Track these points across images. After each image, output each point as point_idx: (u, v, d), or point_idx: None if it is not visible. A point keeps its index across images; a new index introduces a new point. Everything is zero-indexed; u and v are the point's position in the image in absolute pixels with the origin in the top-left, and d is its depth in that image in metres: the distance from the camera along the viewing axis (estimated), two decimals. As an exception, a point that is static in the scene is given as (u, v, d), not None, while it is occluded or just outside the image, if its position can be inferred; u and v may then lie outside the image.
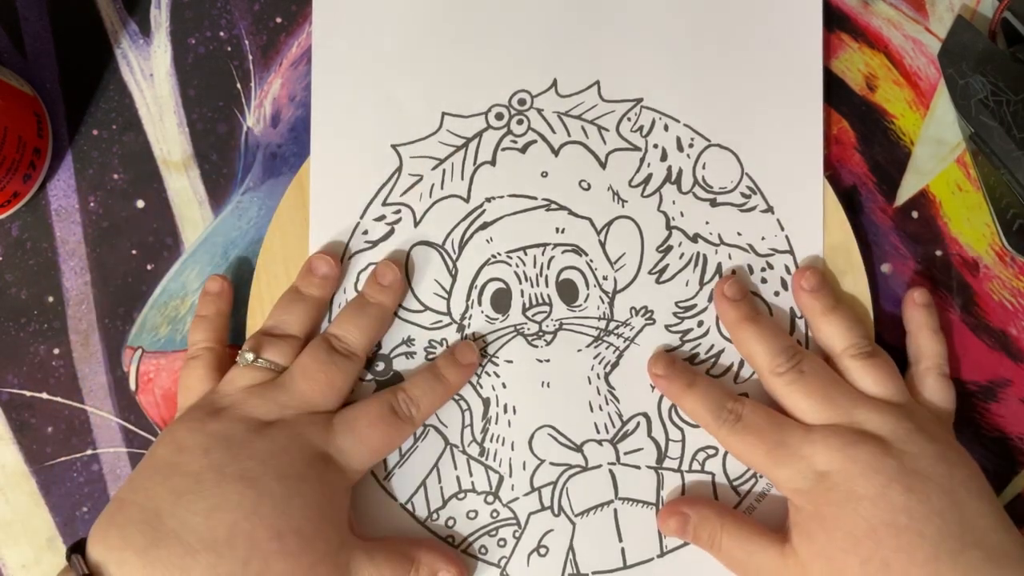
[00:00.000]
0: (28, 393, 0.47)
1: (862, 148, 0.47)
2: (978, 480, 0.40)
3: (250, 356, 0.42)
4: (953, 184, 0.47)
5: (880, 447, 0.39)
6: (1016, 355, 0.46)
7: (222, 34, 0.47)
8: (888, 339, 0.46)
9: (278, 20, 0.48)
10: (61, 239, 0.47)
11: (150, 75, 0.47)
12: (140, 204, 0.47)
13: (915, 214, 0.47)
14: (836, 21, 0.47)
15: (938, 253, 0.47)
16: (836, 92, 0.47)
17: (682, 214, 0.46)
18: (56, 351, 0.47)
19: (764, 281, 0.46)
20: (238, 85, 0.47)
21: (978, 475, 0.40)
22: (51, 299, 0.47)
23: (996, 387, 0.46)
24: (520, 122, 0.46)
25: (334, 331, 0.44)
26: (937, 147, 0.47)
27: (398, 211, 0.46)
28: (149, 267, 0.47)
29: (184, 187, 0.47)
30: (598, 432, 0.45)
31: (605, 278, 0.45)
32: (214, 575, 0.37)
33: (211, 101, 0.47)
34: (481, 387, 0.45)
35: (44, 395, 0.47)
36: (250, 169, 0.47)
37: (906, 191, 0.47)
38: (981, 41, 0.45)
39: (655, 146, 0.46)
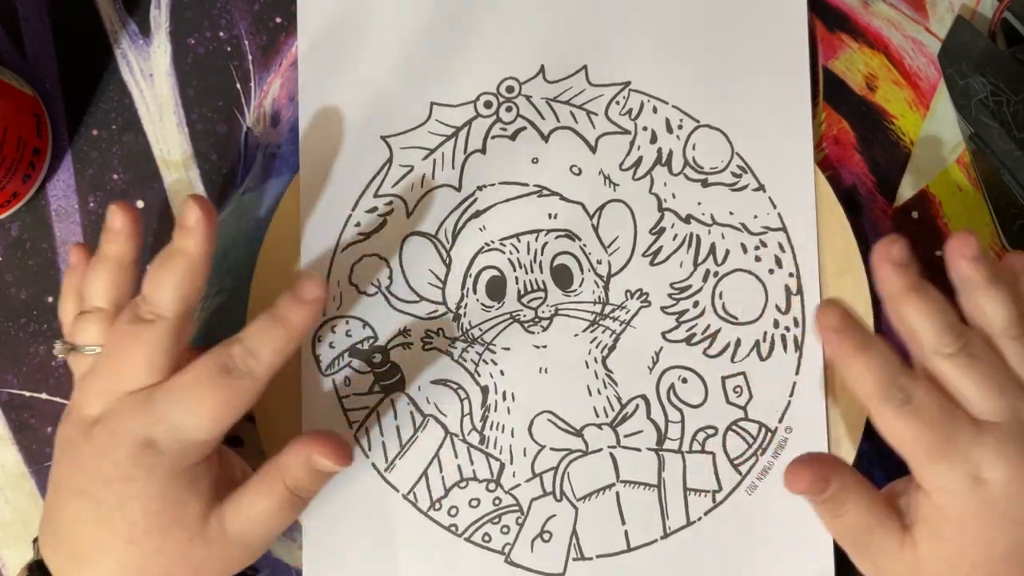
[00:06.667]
0: (28, 393, 0.47)
1: (862, 148, 0.47)
2: None
3: (57, 347, 0.40)
4: (953, 184, 0.47)
5: None
6: (1016, 355, 0.46)
7: (222, 34, 0.47)
8: (890, 341, 0.46)
9: (278, 20, 0.48)
10: (61, 239, 0.47)
11: (150, 75, 0.47)
12: (140, 204, 0.47)
13: (915, 214, 0.47)
14: (836, 21, 0.47)
15: (938, 253, 0.47)
16: (836, 92, 0.47)
17: (674, 195, 0.46)
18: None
19: (758, 260, 0.45)
20: (238, 85, 0.47)
21: None
22: (51, 299, 0.47)
23: (996, 387, 0.46)
24: (509, 109, 0.46)
25: (142, 292, 0.38)
26: (937, 147, 0.47)
27: (390, 202, 0.46)
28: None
29: (184, 187, 0.47)
30: (597, 416, 0.45)
31: (599, 262, 0.45)
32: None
33: (211, 101, 0.47)
34: (479, 375, 0.45)
35: (44, 395, 0.47)
36: (250, 169, 0.47)
37: (906, 191, 0.47)
38: (981, 41, 0.45)
39: (644, 129, 0.46)
